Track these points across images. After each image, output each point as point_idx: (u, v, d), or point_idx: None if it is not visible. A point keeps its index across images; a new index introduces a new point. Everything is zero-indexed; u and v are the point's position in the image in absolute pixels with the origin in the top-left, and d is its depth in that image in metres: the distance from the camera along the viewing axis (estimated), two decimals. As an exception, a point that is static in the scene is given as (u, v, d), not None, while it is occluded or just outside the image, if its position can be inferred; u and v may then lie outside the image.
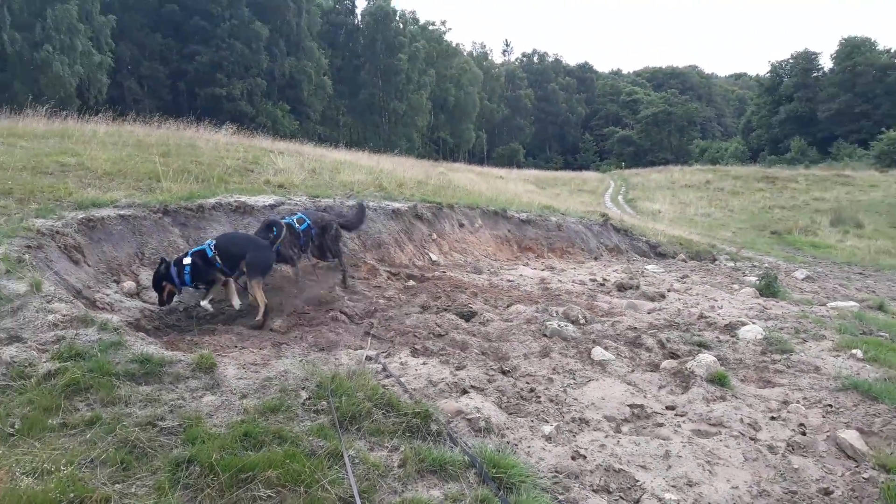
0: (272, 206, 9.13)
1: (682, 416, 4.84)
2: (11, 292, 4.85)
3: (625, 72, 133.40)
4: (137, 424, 3.46)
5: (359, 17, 75.75)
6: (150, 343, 4.70)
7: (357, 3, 76.36)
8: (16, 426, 3.34)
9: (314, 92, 64.58)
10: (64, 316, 4.59)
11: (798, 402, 5.11)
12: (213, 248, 6.49)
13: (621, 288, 9.33)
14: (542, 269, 10.90)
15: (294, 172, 12.00)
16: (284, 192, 10.17)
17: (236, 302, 6.81)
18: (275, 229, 7.12)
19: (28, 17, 39.95)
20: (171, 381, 4.07)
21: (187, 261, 6.34)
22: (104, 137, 13.02)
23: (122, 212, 7.58)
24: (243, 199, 9.03)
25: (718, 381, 5.37)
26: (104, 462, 3.11)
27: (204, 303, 6.78)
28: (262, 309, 6.29)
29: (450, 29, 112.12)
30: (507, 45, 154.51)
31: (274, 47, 59.93)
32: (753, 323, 7.34)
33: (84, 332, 4.43)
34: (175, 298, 6.60)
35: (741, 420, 4.73)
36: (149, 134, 14.92)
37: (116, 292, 6.57)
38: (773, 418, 4.83)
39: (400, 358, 5.49)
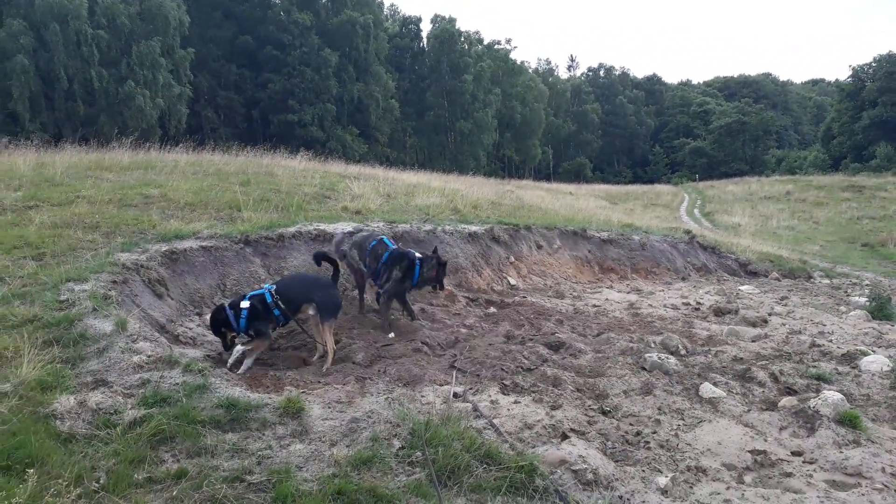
0: (350, 234, 9.00)
1: (811, 463, 4.31)
2: (98, 332, 4.79)
3: (694, 82, 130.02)
4: (225, 480, 3.25)
5: (424, 40, 76.62)
6: (234, 384, 4.54)
7: (423, 26, 77.32)
8: (101, 481, 3.18)
9: (382, 115, 65.47)
10: (149, 357, 4.48)
11: (945, 447, 4.49)
12: (272, 292, 5.83)
13: (718, 312, 8.73)
14: (629, 292, 10.38)
15: (370, 198, 11.92)
16: (362, 219, 10.06)
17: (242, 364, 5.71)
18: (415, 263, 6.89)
19: (115, 54, 42.07)
20: (257, 428, 3.86)
21: (244, 304, 5.69)
22: (185, 167, 13.32)
23: (203, 243, 7.57)
24: (322, 226, 8.94)
25: (849, 421, 4.79)
26: (192, 523, 2.90)
27: (248, 361, 5.67)
28: (330, 357, 5.81)
29: (515, 47, 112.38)
30: (572, 60, 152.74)
31: (343, 73, 61.16)
32: (874, 352, 6.66)
33: (169, 375, 4.30)
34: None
35: (883, 469, 4.16)
36: (228, 163, 15.21)
37: (199, 325, 6.51)
38: (919, 467, 4.24)
39: (489, 395, 5.16)
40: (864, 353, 6.50)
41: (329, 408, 4.39)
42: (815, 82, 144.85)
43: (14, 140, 16.72)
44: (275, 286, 5.96)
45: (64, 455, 3.37)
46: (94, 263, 6.24)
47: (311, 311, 5.99)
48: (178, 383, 4.20)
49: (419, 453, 3.62)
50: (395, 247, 7.42)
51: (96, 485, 3.15)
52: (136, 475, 3.26)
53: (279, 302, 5.81)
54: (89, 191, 9.52)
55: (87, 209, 8.48)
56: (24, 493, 2.90)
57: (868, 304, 9.43)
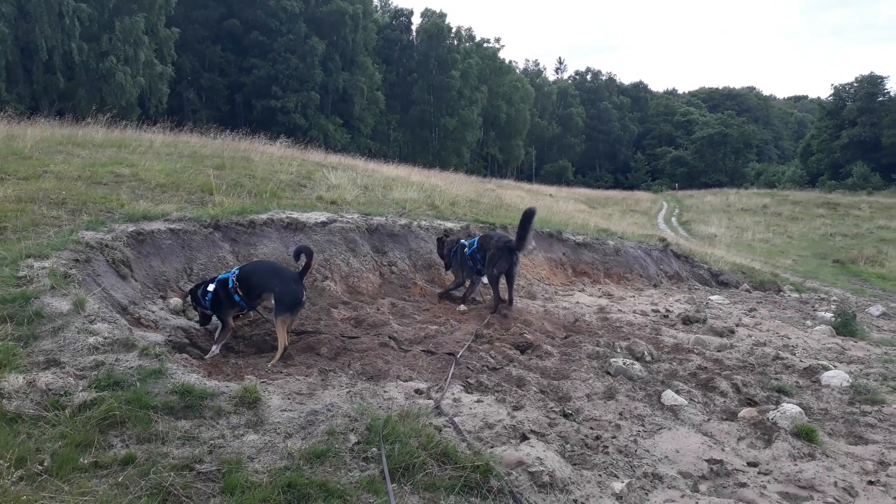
0: (324, 224, 8.91)
1: (766, 474, 4.33)
2: (54, 310, 4.66)
3: (680, 91, 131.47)
4: (174, 468, 3.17)
5: (414, 33, 76.33)
6: (191, 370, 4.45)
7: (414, 19, 77.01)
8: (45, 464, 3.09)
9: (367, 106, 65.15)
10: (105, 339, 4.36)
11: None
12: (234, 277, 5.83)
13: (687, 321, 8.78)
14: (600, 297, 10.40)
15: (347, 189, 11.81)
16: (337, 209, 9.96)
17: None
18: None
19: (97, 28, 41.30)
20: (211, 416, 3.78)
21: (210, 288, 5.81)
22: (161, 148, 13.11)
23: (172, 225, 7.43)
24: (295, 215, 8.83)
25: (805, 435, 4.83)
26: (135, 512, 2.82)
27: (214, 349, 5.78)
28: (279, 352, 5.64)
29: (503, 46, 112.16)
30: (560, 62, 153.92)
31: (329, 62, 60.75)
32: (835, 367, 6.74)
33: (125, 358, 4.19)
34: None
35: (835, 483, 4.20)
36: (204, 145, 15.01)
37: (162, 309, 6.38)
38: (870, 482, 4.29)
39: (452, 393, 5.12)
40: (826, 368, 6.58)
41: (288, 399, 4.33)
42: (797, 98, 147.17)
43: (-13, 110, 16.35)
44: (238, 271, 5.94)
45: (8, 435, 3.26)
46: (56, 240, 6.09)
47: (271, 302, 5.93)
48: (133, 367, 4.09)
49: (375, 449, 3.57)
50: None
51: (39, 467, 3.05)
52: (81, 459, 3.17)
53: (238, 289, 5.78)
54: (59, 166, 9.31)
55: (55, 185, 8.28)
56: (-38, 474, 2.80)
57: (834, 319, 9.55)
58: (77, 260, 5.81)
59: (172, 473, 3.12)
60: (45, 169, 9.10)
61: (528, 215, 7.88)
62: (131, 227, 7.00)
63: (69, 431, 3.37)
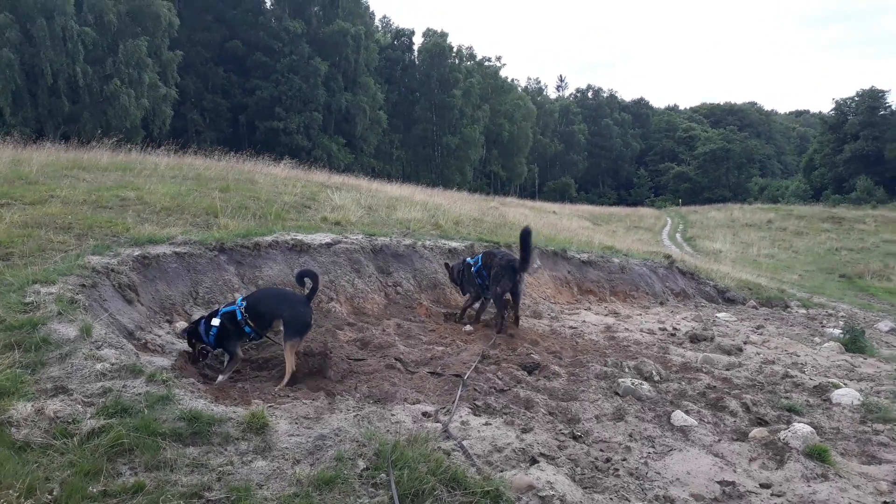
0: (328, 245, 8.92)
1: (779, 496, 4.28)
2: (61, 337, 4.66)
3: (681, 107, 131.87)
4: (182, 495, 3.15)
5: (416, 53, 76.91)
6: (199, 396, 4.43)
7: (415, 39, 77.63)
8: (54, 493, 3.06)
9: (369, 126, 65.49)
10: (112, 364, 4.35)
11: (911, 484, 4.50)
12: (242, 309, 5.77)
13: (694, 339, 8.74)
14: (606, 315, 10.37)
15: (351, 209, 11.84)
16: (341, 230, 9.97)
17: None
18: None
19: (101, 52, 41.73)
20: (219, 443, 3.76)
21: (215, 322, 5.68)
22: (165, 171, 13.17)
23: (177, 249, 7.45)
24: (300, 237, 8.84)
25: (818, 455, 4.77)
26: (144, 541, 2.80)
27: (222, 378, 5.66)
28: (287, 376, 5.62)
29: (505, 65, 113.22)
30: (561, 80, 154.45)
31: (332, 82, 61.16)
32: (845, 385, 6.69)
33: (132, 384, 4.18)
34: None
35: (849, 505, 4.15)
36: (209, 167, 15.07)
37: (168, 333, 6.38)
38: (885, 503, 4.24)
39: (460, 416, 5.08)
40: (836, 386, 6.52)
41: (296, 423, 4.30)
42: (799, 113, 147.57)
43: (-6, 135, 16.51)
44: (245, 302, 5.87)
45: (17, 464, 3.25)
46: (62, 266, 6.10)
47: (280, 327, 5.89)
48: (140, 393, 4.08)
49: (384, 475, 3.54)
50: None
51: (49, 496, 3.03)
52: (90, 488, 3.15)
53: (248, 320, 5.75)
54: (64, 191, 9.35)
55: (61, 209, 8.31)
56: (-30, 505, 2.79)
57: (842, 336, 9.50)
58: (83, 285, 5.82)
59: (182, 501, 3.10)
60: (51, 193, 9.15)
61: (526, 234, 7.91)
62: (137, 252, 7.02)
63: (78, 460, 3.35)
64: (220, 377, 5.67)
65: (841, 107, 79.83)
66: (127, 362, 4.48)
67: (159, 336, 6.17)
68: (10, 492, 2.95)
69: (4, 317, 4.87)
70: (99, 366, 4.33)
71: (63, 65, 39.54)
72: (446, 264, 9.27)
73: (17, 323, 4.78)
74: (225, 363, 5.92)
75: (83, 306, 5.33)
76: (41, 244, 6.84)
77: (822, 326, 11.22)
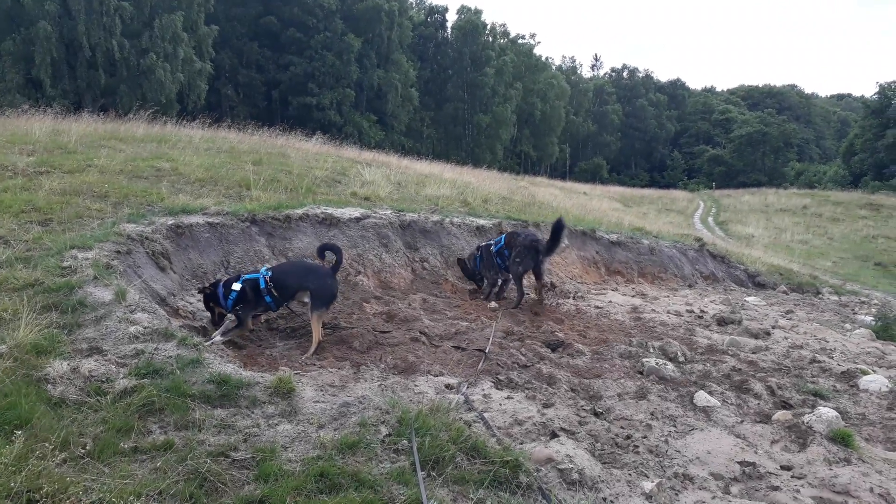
0: (357, 220, 9.00)
1: (800, 478, 4.26)
2: (97, 300, 4.81)
3: (718, 89, 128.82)
4: (210, 454, 3.26)
5: (449, 30, 76.26)
6: (228, 360, 4.55)
7: (449, 16, 76.92)
8: (87, 447, 3.19)
9: (401, 103, 65.33)
10: (145, 328, 4.49)
11: (937, 471, 4.44)
12: (267, 279, 5.84)
13: (721, 322, 8.67)
14: (633, 296, 10.32)
15: (380, 185, 11.90)
16: (370, 205, 10.05)
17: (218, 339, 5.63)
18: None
19: (138, 26, 42.17)
20: (247, 406, 3.87)
21: (236, 286, 5.74)
22: (200, 143, 13.35)
23: (210, 219, 7.59)
24: (330, 210, 8.94)
25: (842, 439, 4.74)
26: (173, 496, 2.91)
27: (217, 337, 5.61)
28: (314, 345, 5.74)
29: (539, 42, 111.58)
30: (596, 59, 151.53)
31: (364, 59, 61.04)
32: (874, 371, 6.59)
33: (164, 347, 4.31)
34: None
35: (871, 489, 4.11)
36: (242, 141, 15.24)
37: (199, 300, 6.52)
38: (908, 490, 4.20)
39: (482, 389, 5.15)
40: (865, 373, 6.44)
41: (321, 390, 4.40)
42: (840, 97, 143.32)
43: (35, 106, 16.86)
44: (270, 272, 5.95)
45: (53, 419, 3.39)
46: (99, 232, 6.27)
47: (305, 299, 6.01)
48: (171, 356, 4.21)
49: (405, 441, 3.62)
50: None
51: (82, 450, 3.16)
52: (122, 444, 3.28)
53: (272, 289, 5.84)
54: (102, 160, 9.55)
55: (98, 178, 8.52)
56: (10, 454, 2.91)
57: (874, 323, 9.34)
58: (118, 251, 5.98)
59: (209, 460, 3.20)
60: (88, 163, 9.36)
61: (559, 227, 8.06)
62: (171, 221, 7.17)
63: (110, 417, 3.48)
64: (216, 336, 5.61)
65: (885, 91, 77.15)
66: (159, 326, 4.62)
67: (191, 303, 6.32)
68: (46, 444, 3.07)
69: (43, 279, 5.04)
70: (132, 328, 4.47)
71: (100, 38, 40.02)
72: (459, 259, 9.28)
73: (55, 286, 4.95)
74: (229, 327, 5.85)
75: (118, 272, 5.49)
76: (79, 211, 7.04)
77: (854, 313, 11.03)
